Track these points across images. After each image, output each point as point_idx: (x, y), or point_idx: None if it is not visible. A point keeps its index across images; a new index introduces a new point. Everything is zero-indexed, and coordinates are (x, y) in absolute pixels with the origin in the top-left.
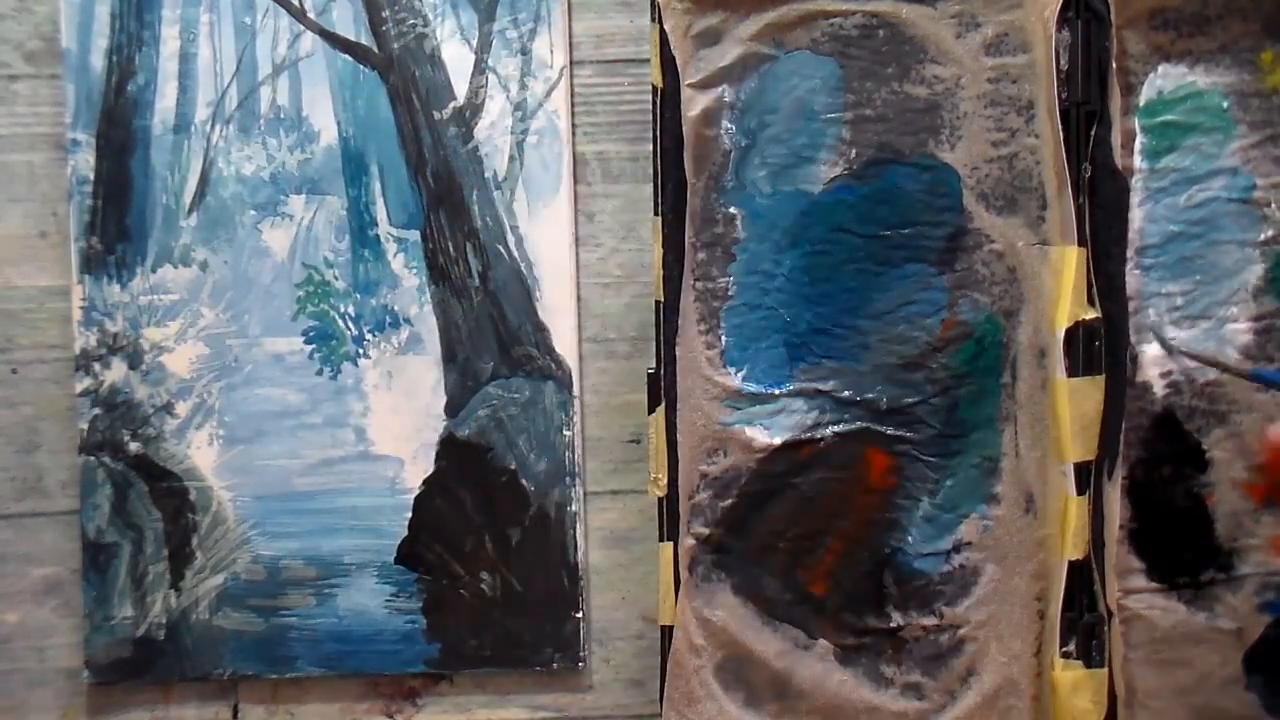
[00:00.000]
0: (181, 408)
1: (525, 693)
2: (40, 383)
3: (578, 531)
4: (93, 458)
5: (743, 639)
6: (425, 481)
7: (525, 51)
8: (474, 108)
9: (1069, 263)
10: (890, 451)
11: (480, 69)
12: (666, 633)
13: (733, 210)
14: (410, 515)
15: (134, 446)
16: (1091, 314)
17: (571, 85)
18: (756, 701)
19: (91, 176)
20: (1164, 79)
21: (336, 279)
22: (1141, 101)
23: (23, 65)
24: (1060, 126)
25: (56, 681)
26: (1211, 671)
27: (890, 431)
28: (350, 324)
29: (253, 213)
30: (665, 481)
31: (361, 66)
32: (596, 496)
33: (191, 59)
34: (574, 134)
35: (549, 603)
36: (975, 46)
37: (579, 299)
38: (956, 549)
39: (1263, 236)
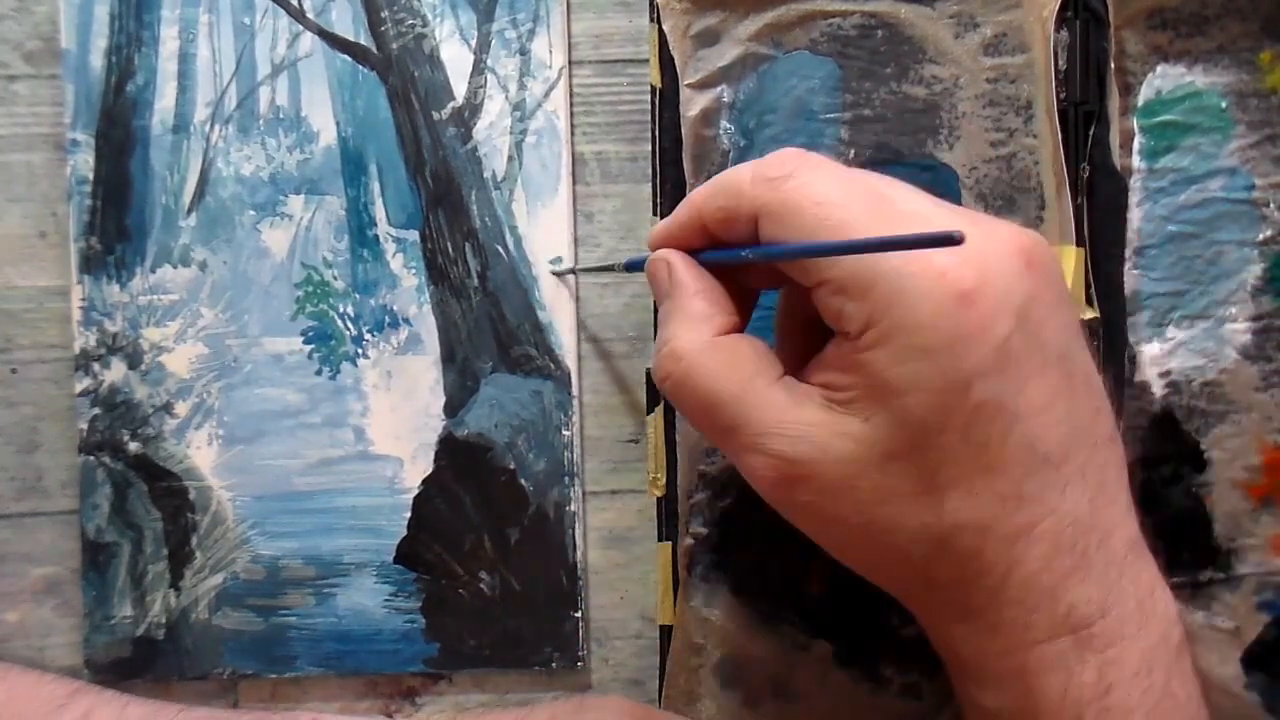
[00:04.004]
0: (181, 408)
1: (524, 692)
2: (40, 383)
3: (576, 531)
4: (92, 458)
5: (741, 638)
6: (424, 481)
7: (524, 52)
8: (473, 108)
9: (1068, 263)
10: None
11: (479, 69)
12: (665, 632)
13: None
14: (409, 515)
15: (134, 446)
16: (1090, 314)
17: (570, 85)
18: (755, 701)
19: (91, 176)
20: (1162, 79)
21: (336, 279)
22: (1140, 101)
23: (22, 65)
24: (1059, 127)
25: None
26: (1210, 670)
27: None
28: (349, 324)
29: (252, 213)
30: (664, 481)
31: (360, 67)
32: (595, 496)
33: (191, 59)
34: (573, 134)
35: (548, 602)
36: (974, 47)
37: (578, 299)
38: None
39: (1262, 236)
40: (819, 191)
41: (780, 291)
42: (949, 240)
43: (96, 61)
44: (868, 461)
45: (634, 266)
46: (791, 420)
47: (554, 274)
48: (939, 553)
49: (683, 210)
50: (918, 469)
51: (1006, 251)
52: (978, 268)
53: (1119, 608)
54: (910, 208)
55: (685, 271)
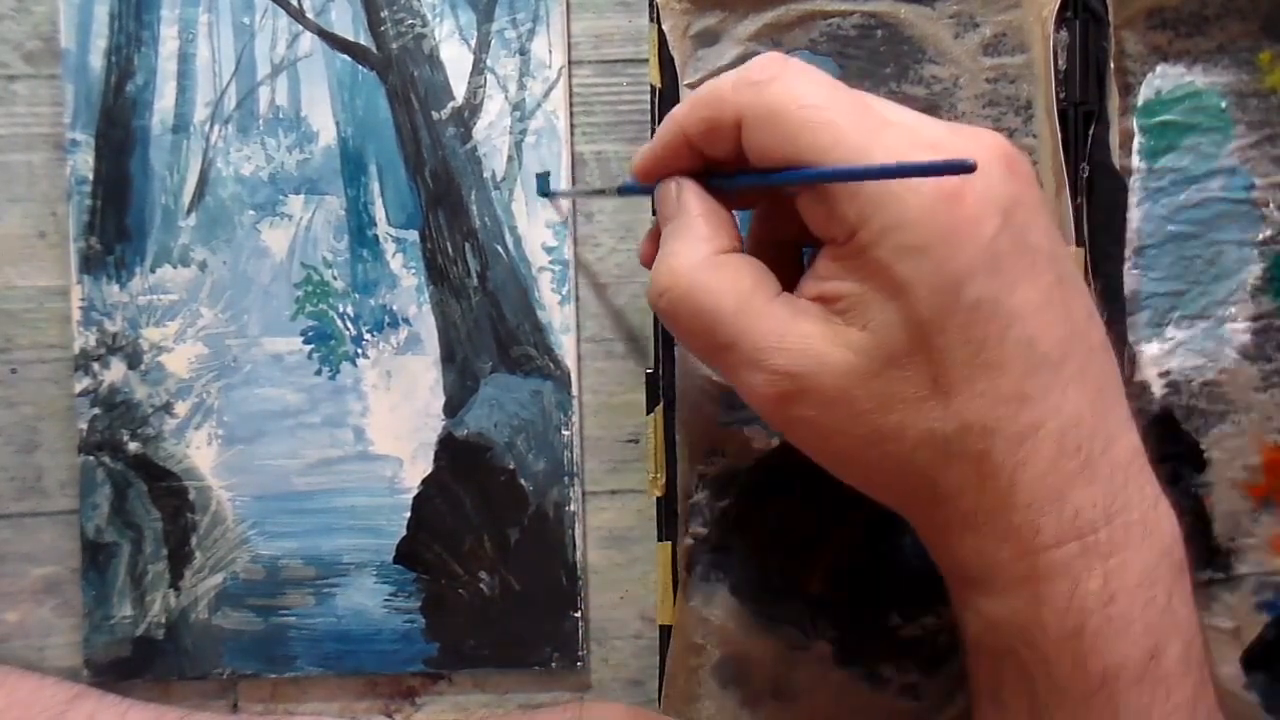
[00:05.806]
0: (181, 407)
1: (524, 692)
2: (40, 383)
3: (576, 531)
4: (92, 457)
5: (741, 638)
6: (424, 481)
7: (524, 51)
8: (473, 108)
9: None
10: None
11: (479, 69)
12: (665, 632)
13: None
14: (409, 515)
15: (133, 446)
16: None
17: (570, 85)
18: (754, 701)
19: (90, 176)
20: (1162, 79)
21: (335, 279)
22: (1139, 101)
23: (22, 65)
24: (1058, 127)
25: None
26: (1210, 670)
27: None
28: (349, 324)
29: (251, 213)
30: (663, 481)
31: (360, 67)
32: (595, 496)
33: (190, 59)
34: (572, 134)
35: (548, 602)
36: (973, 47)
37: (577, 299)
38: None
39: (1261, 236)
40: (803, 93)
41: (752, 214)
42: (963, 168)
43: (96, 61)
44: (868, 370)
45: (627, 191)
46: (791, 333)
47: (542, 194)
48: (945, 458)
49: (665, 127)
50: (919, 373)
51: (989, 156)
52: None
53: (1123, 515)
54: (895, 117)
55: (692, 193)
